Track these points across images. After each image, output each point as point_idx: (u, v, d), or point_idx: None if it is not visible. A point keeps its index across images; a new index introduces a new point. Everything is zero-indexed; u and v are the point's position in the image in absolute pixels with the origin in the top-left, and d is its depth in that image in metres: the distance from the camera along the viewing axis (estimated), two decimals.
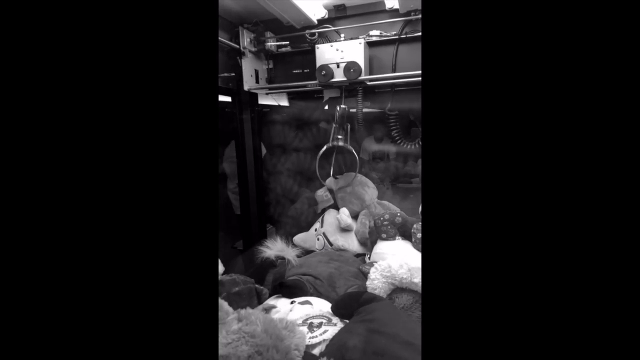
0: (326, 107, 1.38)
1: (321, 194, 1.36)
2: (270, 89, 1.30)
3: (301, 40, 1.23)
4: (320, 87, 1.19)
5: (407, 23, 1.12)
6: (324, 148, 1.23)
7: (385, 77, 1.12)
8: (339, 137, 1.21)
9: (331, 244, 1.25)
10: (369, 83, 1.15)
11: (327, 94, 1.34)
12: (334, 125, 1.21)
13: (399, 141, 1.21)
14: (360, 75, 1.09)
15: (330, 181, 1.37)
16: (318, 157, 1.24)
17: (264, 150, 1.52)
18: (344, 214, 1.24)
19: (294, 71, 1.28)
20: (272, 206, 1.55)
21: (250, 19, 1.21)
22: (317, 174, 1.27)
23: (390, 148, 1.40)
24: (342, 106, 1.18)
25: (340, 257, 1.11)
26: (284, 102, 1.49)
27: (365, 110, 1.22)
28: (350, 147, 1.22)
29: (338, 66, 1.11)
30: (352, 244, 1.23)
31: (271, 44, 1.25)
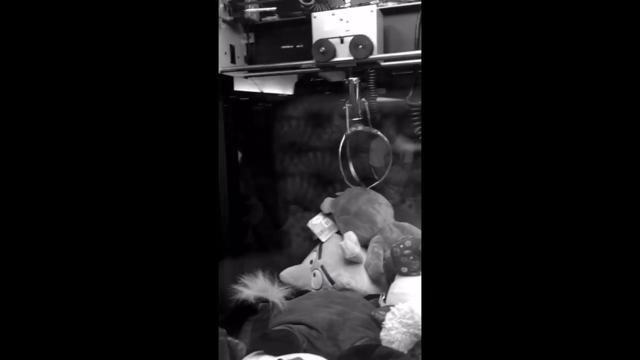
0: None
1: (318, 222, 1.36)
2: (250, 70, 1.30)
3: (292, 6, 1.22)
4: (317, 69, 1.18)
5: None
6: (344, 138, 1.22)
7: (406, 56, 1.12)
8: (355, 119, 1.21)
9: (332, 282, 1.24)
10: (383, 64, 1.14)
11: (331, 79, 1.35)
12: (347, 104, 1.20)
13: None
14: (371, 53, 1.09)
15: (327, 203, 1.37)
16: (341, 151, 1.24)
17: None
18: (350, 239, 1.23)
19: (283, 47, 1.27)
20: (251, 229, 1.54)
21: None
22: (343, 173, 1.27)
23: (411, 149, 1.39)
24: (354, 79, 1.18)
25: (345, 300, 1.10)
26: (275, 90, 1.49)
27: (378, 99, 1.22)
28: (377, 132, 1.22)
29: (342, 41, 1.11)
30: (360, 281, 1.22)
31: (252, 10, 1.24)
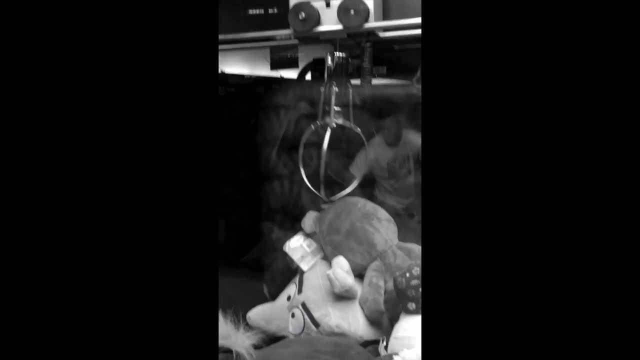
0: (308, 77, 1.38)
1: (297, 245, 1.36)
2: None
3: None
4: (296, 41, 1.20)
5: None
6: (310, 130, 1.23)
7: (411, 25, 1.12)
8: (336, 109, 1.21)
9: (317, 324, 1.23)
10: (382, 35, 1.15)
11: (307, 54, 1.35)
12: (333, 88, 1.21)
13: None
14: (366, 21, 1.09)
15: (309, 219, 1.37)
16: (301, 152, 1.23)
17: None
18: (340, 267, 1.22)
19: (251, 12, 1.27)
20: None
21: None
22: (305, 180, 1.27)
23: (418, 151, 1.41)
24: (339, 54, 1.19)
25: (334, 347, 1.10)
26: (239, 69, 1.49)
27: (375, 82, 1.24)
28: (356, 128, 1.22)
29: (328, 5, 1.12)
30: (354, 322, 1.22)
31: None
